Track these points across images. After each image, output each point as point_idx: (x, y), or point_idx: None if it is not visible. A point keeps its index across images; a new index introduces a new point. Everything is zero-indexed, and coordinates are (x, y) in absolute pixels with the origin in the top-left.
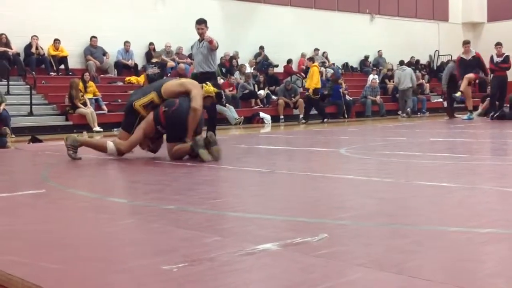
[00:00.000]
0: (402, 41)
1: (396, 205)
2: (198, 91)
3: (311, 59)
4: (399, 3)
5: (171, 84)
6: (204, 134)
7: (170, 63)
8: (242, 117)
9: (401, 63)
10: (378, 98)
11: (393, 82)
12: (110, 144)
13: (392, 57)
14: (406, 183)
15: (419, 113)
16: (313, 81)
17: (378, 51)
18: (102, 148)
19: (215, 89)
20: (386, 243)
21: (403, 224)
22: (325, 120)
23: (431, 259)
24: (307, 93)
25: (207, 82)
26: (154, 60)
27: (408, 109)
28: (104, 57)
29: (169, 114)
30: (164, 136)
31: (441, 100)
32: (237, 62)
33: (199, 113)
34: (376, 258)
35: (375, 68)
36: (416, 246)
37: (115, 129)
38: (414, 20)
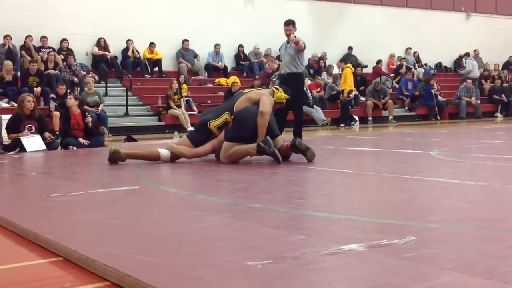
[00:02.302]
0: (500, 40)
1: (490, 210)
2: (267, 97)
3: (343, 60)
4: (497, 0)
5: (241, 101)
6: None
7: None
8: (329, 118)
9: (467, 54)
10: (473, 99)
11: (489, 82)
12: (163, 152)
13: (489, 57)
14: (501, 187)
15: None
16: (347, 83)
17: (474, 51)
18: (153, 157)
19: (286, 95)
20: (478, 247)
21: (498, 229)
22: (352, 124)
23: None
24: (341, 97)
25: (278, 88)
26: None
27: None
28: (195, 60)
29: (235, 114)
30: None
31: None
32: (324, 63)
33: (267, 117)
34: (466, 263)
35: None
36: (511, 251)
37: (175, 132)
38: None
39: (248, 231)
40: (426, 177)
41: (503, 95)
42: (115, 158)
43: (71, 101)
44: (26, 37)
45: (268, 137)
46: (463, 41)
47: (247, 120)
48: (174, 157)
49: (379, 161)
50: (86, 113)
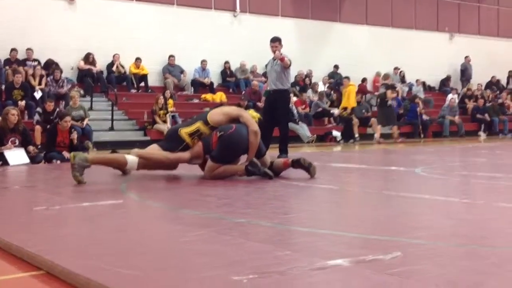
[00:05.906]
0: (483, 60)
1: (474, 226)
2: (247, 114)
3: (347, 78)
4: (480, 22)
5: (215, 113)
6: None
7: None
8: (315, 135)
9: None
10: (456, 118)
11: (472, 101)
12: (130, 158)
13: (473, 77)
14: (485, 204)
15: (500, 135)
16: (350, 100)
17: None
18: (119, 164)
19: (257, 114)
20: (462, 264)
21: (481, 245)
22: (352, 141)
23: (509, 281)
24: (343, 113)
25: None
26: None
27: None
28: (182, 75)
29: (225, 136)
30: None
31: None
32: (310, 80)
33: (259, 136)
34: (451, 279)
35: (454, 88)
36: (494, 268)
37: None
38: (496, 38)
39: (233, 246)
40: (411, 194)
41: (486, 114)
42: (80, 165)
43: (69, 124)
44: (11, 50)
45: (254, 160)
46: (446, 61)
47: (240, 147)
48: (142, 166)
49: (364, 177)
50: (72, 130)
